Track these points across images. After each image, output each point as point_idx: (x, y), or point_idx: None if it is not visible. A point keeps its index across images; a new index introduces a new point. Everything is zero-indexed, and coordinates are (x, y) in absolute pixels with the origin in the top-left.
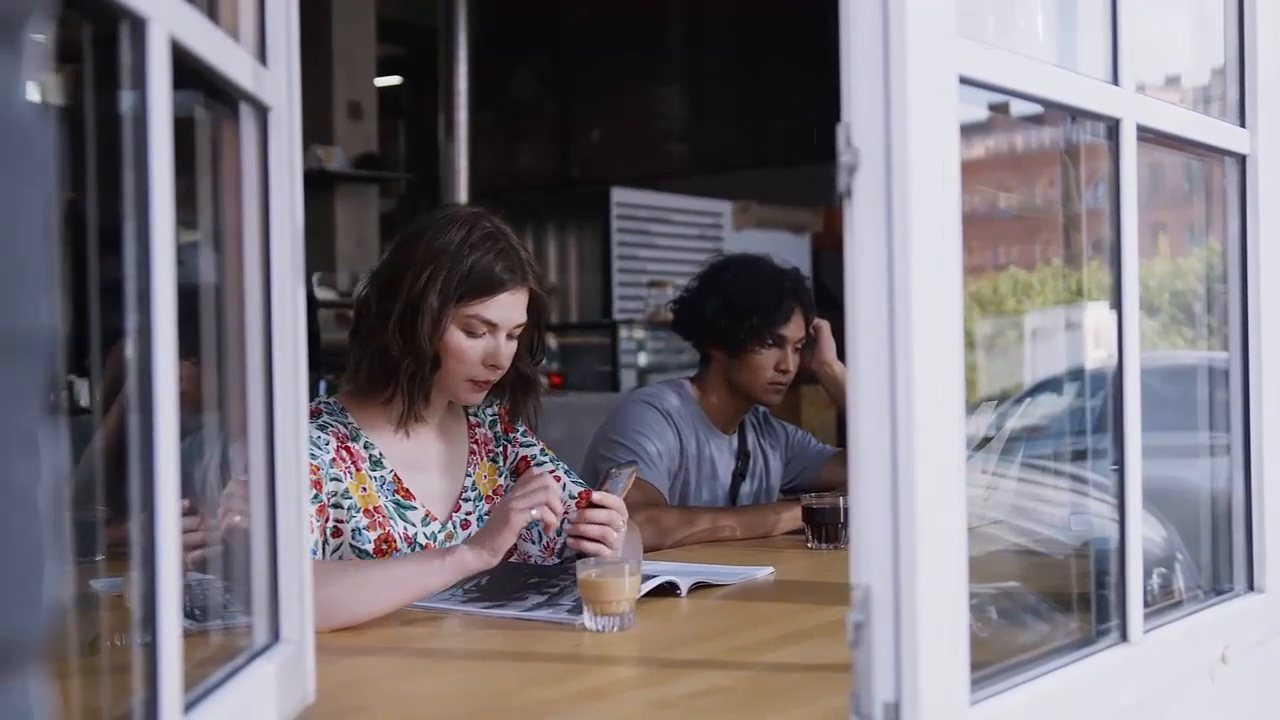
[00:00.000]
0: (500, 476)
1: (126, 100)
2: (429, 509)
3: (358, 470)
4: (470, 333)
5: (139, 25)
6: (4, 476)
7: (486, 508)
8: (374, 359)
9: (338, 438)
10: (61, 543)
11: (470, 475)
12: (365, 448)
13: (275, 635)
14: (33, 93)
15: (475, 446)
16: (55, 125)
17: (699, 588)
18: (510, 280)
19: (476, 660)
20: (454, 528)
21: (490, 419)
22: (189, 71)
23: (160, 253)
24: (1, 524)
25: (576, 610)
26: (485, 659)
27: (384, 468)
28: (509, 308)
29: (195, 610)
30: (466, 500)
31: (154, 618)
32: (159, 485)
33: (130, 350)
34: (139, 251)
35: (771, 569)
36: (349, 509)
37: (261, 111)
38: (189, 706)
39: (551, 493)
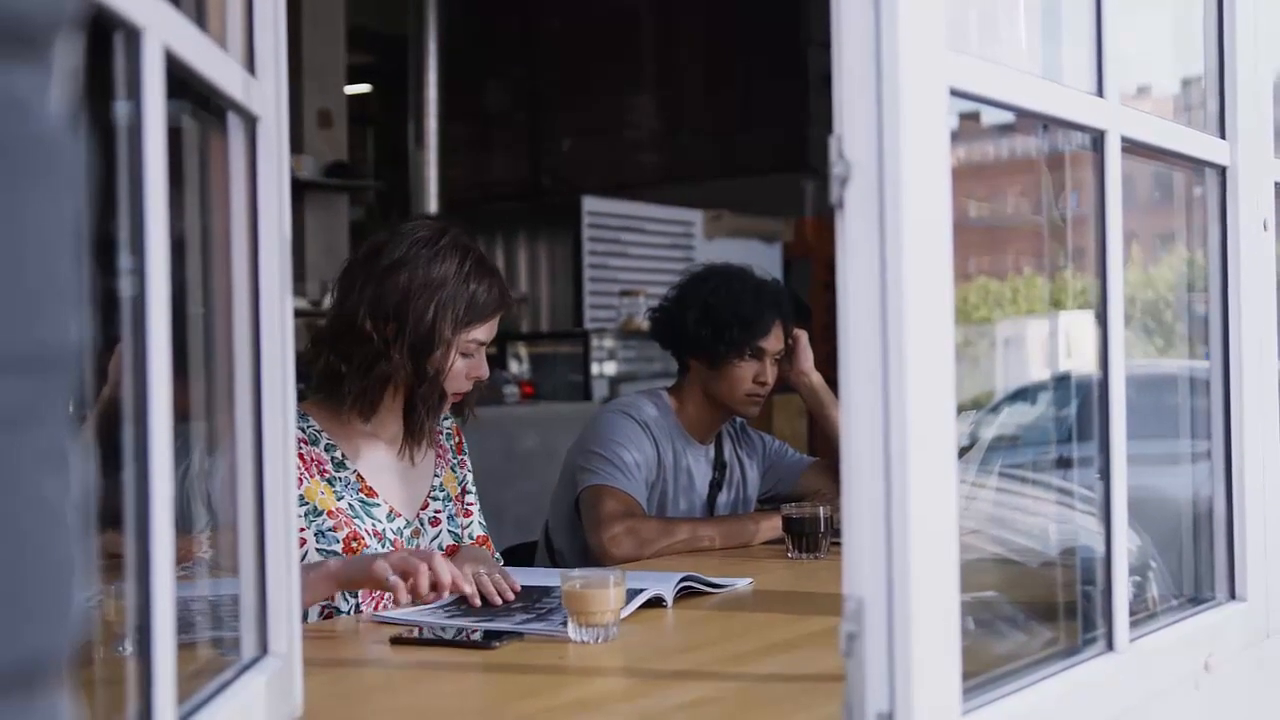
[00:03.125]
0: (458, 484)
1: (120, 110)
2: (393, 506)
3: (312, 476)
4: (464, 355)
5: (134, 35)
6: (35, 492)
7: (454, 508)
8: (379, 385)
9: None
10: (88, 560)
11: (439, 476)
12: (326, 450)
13: (263, 649)
14: (62, 106)
15: (441, 450)
16: (83, 138)
17: (685, 595)
18: (504, 303)
19: (463, 673)
20: (422, 524)
21: (446, 432)
22: (179, 81)
23: (155, 262)
24: (34, 540)
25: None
26: (471, 672)
27: (347, 469)
28: (495, 326)
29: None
30: (435, 499)
31: (148, 631)
32: (153, 498)
33: (125, 359)
34: (134, 261)
35: (751, 580)
36: (306, 514)
37: (250, 122)
38: None
39: (420, 575)
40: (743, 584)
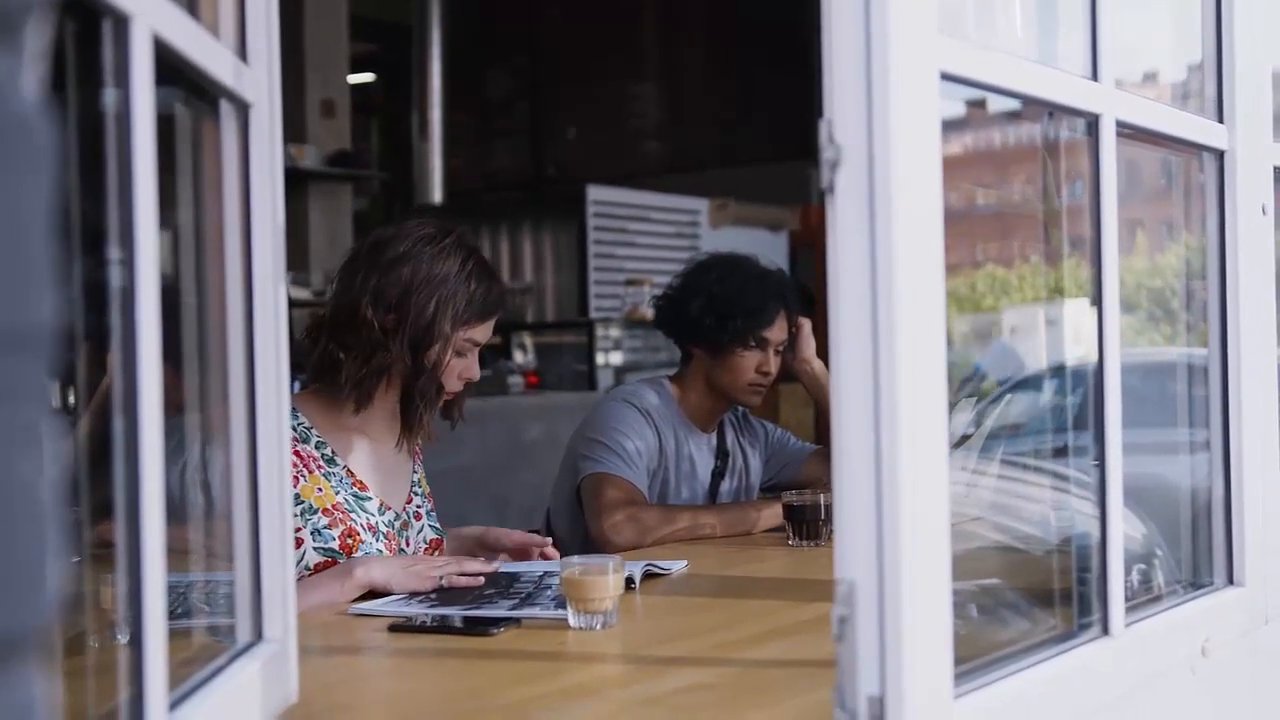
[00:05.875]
0: (427, 483)
1: (108, 97)
2: (382, 499)
3: (311, 473)
4: (459, 353)
5: (122, 22)
6: (8, 471)
7: (430, 505)
8: (376, 376)
9: None
10: (63, 537)
11: (416, 473)
12: (317, 447)
13: (258, 634)
14: (32, 89)
15: (417, 450)
16: (54, 122)
17: (648, 577)
18: (502, 305)
19: (459, 659)
20: (408, 517)
21: None
22: (169, 68)
23: (144, 252)
24: (6, 518)
25: (561, 604)
26: (468, 658)
27: (338, 464)
28: (491, 329)
29: (174, 609)
30: (416, 494)
31: (139, 618)
32: (143, 486)
33: (114, 352)
34: (123, 251)
35: (685, 562)
36: (303, 513)
37: (242, 109)
38: (173, 705)
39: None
40: (679, 566)
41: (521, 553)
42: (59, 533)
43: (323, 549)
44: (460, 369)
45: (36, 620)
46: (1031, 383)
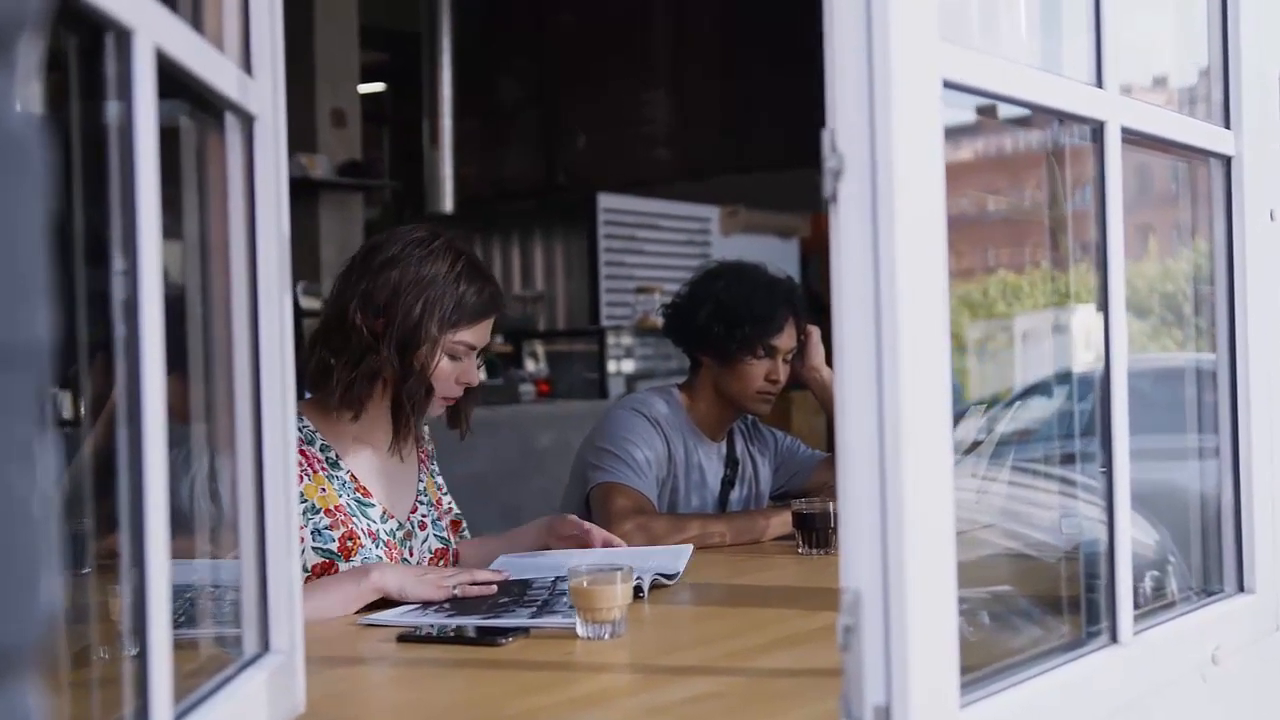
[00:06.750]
0: (438, 490)
1: (111, 110)
2: (386, 507)
3: (315, 473)
4: (452, 357)
5: (124, 36)
6: (2, 486)
7: (436, 513)
8: (366, 380)
9: None
10: (57, 551)
11: (422, 481)
12: (321, 450)
13: (265, 645)
14: (27, 104)
15: (423, 457)
16: (49, 137)
17: (656, 587)
18: (494, 308)
19: (469, 670)
20: (412, 527)
21: (426, 437)
22: (173, 81)
23: (147, 264)
24: (0, 533)
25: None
26: (478, 668)
27: (342, 469)
28: (487, 332)
29: (180, 618)
30: (422, 503)
31: (144, 629)
32: (148, 497)
33: (118, 362)
34: (126, 263)
35: (690, 548)
36: (305, 512)
37: (247, 121)
38: (179, 717)
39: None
40: (685, 552)
41: (580, 541)
42: (53, 547)
43: (322, 550)
44: (456, 373)
45: (31, 634)
46: (1042, 389)
